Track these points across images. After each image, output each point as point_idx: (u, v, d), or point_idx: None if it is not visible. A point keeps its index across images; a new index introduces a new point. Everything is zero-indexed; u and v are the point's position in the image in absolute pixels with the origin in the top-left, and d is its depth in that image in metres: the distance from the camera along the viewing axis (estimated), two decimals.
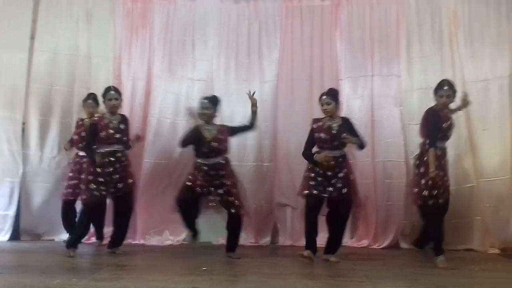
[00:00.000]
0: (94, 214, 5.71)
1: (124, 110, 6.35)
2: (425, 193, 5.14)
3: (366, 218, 6.64)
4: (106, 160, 5.52)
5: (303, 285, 4.17)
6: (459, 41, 6.62)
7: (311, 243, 5.28)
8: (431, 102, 6.34)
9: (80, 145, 6.19)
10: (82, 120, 6.28)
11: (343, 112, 6.64)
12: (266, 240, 6.80)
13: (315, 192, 5.26)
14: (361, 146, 5.41)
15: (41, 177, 6.76)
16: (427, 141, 5.27)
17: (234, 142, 6.66)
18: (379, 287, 4.06)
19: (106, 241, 6.16)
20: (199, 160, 5.48)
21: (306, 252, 5.23)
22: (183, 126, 6.65)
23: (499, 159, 6.38)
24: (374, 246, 6.55)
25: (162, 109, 6.84)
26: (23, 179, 6.69)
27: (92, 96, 6.27)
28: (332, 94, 5.46)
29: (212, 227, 6.55)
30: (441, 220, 5.40)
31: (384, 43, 6.85)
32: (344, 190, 5.26)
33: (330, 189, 5.25)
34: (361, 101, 6.79)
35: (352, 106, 6.77)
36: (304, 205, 5.41)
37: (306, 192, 5.32)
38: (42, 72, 6.85)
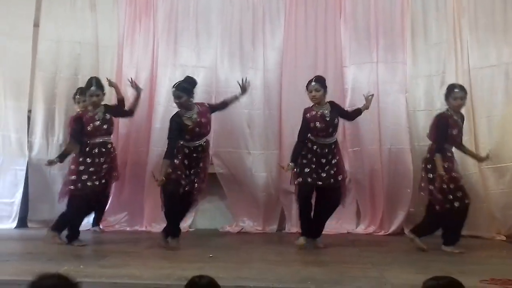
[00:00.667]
0: (89, 203, 5.56)
1: (127, 98, 6.32)
2: (450, 196, 5.11)
3: (373, 205, 6.62)
4: (97, 150, 5.45)
5: (308, 272, 4.15)
6: (464, 28, 6.56)
7: (307, 229, 5.35)
8: (436, 89, 6.38)
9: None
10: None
11: (348, 99, 6.68)
12: (272, 227, 6.78)
13: (309, 180, 5.24)
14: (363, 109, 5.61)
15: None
16: (436, 146, 5.23)
17: (240, 130, 6.68)
18: (385, 274, 4.03)
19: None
20: (182, 142, 5.31)
21: (300, 240, 5.28)
22: None
23: (504, 146, 6.32)
24: (380, 233, 6.53)
25: (169, 97, 6.78)
26: (30, 167, 6.67)
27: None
28: (320, 82, 5.43)
29: (218, 214, 6.56)
30: (464, 219, 5.32)
31: (389, 30, 6.78)
32: (340, 177, 5.32)
33: (324, 175, 5.25)
34: (367, 88, 6.66)
35: (357, 93, 6.68)
36: (296, 193, 5.39)
37: (299, 180, 5.27)
38: (46, 60, 6.82)
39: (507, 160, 6.27)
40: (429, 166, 5.24)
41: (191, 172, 5.32)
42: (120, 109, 5.74)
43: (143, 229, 6.64)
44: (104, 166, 5.47)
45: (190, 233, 6.59)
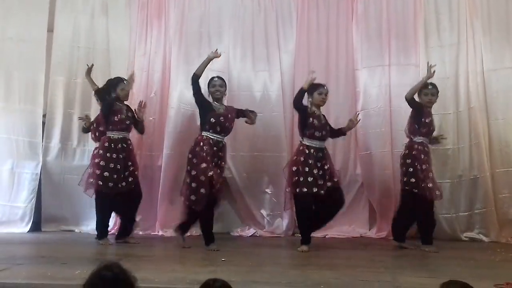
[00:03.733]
0: (113, 200, 5.71)
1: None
2: (430, 185, 5.31)
3: (385, 208, 6.56)
4: (119, 146, 5.63)
5: (321, 275, 4.13)
6: (477, 30, 6.52)
7: (309, 237, 5.42)
8: (449, 91, 6.36)
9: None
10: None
11: (361, 102, 6.67)
12: (284, 231, 6.73)
13: (304, 190, 5.24)
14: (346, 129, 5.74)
15: (61, 169, 6.80)
16: (413, 138, 5.52)
17: (253, 132, 6.67)
18: (398, 278, 4.01)
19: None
20: (205, 134, 5.40)
21: (303, 248, 5.32)
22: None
23: None
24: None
25: (181, 101, 6.81)
26: (44, 171, 6.73)
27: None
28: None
29: (230, 217, 6.55)
30: (432, 213, 5.50)
31: (401, 32, 6.77)
32: (335, 179, 5.42)
33: (320, 182, 5.28)
34: (379, 91, 6.73)
35: (369, 96, 6.73)
36: (297, 202, 5.40)
37: (296, 190, 5.29)
38: (62, 65, 6.88)
39: None
40: (408, 161, 5.44)
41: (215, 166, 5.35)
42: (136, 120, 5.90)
43: (156, 233, 6.64)
44: (129, 163, 5.69)
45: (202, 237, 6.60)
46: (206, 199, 5.22)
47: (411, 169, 5.42)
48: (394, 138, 6.53)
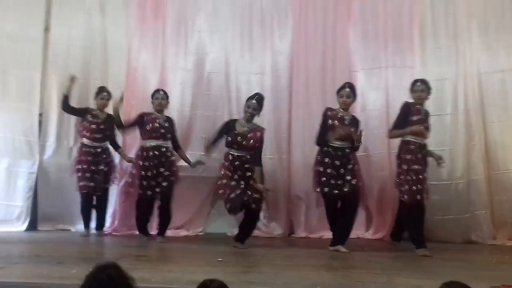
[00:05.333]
0: (145, 209, 5.95)
1: (137, 102, 6.42)
2: (414, 188, 5.19)
3: (382, 210, 6.60)
4: (151, 153, 5.79)
5: (318, 276, 4.12)
6: (473, 32, 6.54)
7: (338, 238, 5.43)
8: (445, 93, 6.35)
9: (97, 135, 6.27)
10: (96, 111, 6.37)
11: (358, 104, 6.66)
12: (281, 232, 6.75)
13: (326, 189, 5.33)
14: (357, 148, 5.52)
15: (57, 168, 6.75)
16: (392, 127, 5.51)
17: None
18: (395, 279, 4.00)
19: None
20: (228, 151, 5.60)
21: (339, 248, 5.34)
22: (201, 118, 6.74)
23: None
24: None
25: (181, 101, 6.82)
26: (40, 170, 6.69)
27: (105, 89, 6.39)
28: (353, 90, 5.57)
29: (227, 218, 6.53)
30: (423, 215, 5.38)
31: (398, 34, 6.78)
32: (354, 182, 5.32)
33: (339, 182, 5.30)
34: (376, 93, 6.75)
35: (366, 98, 6.75)
36: (317, 199, 5.51)
37: (318, 189, 5.40)
38: (57, 64, 6.84)
39: None
40: (398, 162, 5.42)
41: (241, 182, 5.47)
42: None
43: (153, 233, 6.61)
44: (161, 169, 5.82)
45: (200, 237, 6.59)
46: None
47: (398, 170, 5.42)
48: (391, 140, 6.41)
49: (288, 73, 6.89)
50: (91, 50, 6.92)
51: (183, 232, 6.66)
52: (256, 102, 5.61)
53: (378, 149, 6.61)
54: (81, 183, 6.23)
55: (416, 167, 5.24)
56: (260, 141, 5.66)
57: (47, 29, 6.88)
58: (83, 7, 6.95)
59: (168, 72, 6.90)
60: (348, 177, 5.32)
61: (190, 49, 6.93)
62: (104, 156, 6.31)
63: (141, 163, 5.83)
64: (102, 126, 6.29)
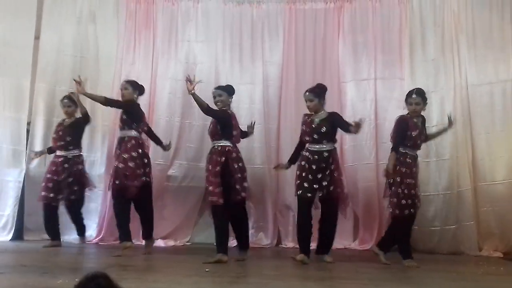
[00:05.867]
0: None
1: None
2: (403, 202, 5.14)
3: (369, 220, 6.62)
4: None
5: (304, 287, 4.11)
6: (462, 45, 6.60)
7: (304, 246, 5.27)
8: (433, 105, 6.38)
9: (59, 143, 6.23)
10: (63, 120, 6.34)
11: (347, 114, 6.69)
12: (269, 242, 6.76)
13: (303, 193, 5.23)
14: (353, 131, 5.26)
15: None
16: (392, 146, 5.35)
17: (241, 144, 6.64)
18: None
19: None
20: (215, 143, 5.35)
21: (299, 256, 5.17)
22: (191, 127, 6.73)
23: (502, 163, 6.33)
24: None
25: (170, 111, 6.84)
26: (27, 178, 6.64)
27: (67, 96, 6.30)
28: (315, 91, 5.43)
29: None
30: (411, 227, 5.40)
31: (387, 47, 6.86)
32: (331, 188, 5.23)
33: (315, 186, 5.21)
34: (365, 104, 6.78)
35: (356, 109, 6.78)
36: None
37: (298, 193, 5.29)
38: (47, 72, 6.83)
39: (503, 177, 6.29)
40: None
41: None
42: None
43: (139, 243, 6.57)
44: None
45: (187, 247, 6.56)
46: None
47: (390, 180, 5.37)
48: (379, 151, 6.58)
49: (278, 83, 6.94)
50: (81, 59, 6.92)
51: (170, 242, 6.64)
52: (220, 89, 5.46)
53: (365, 160, 6.65)
54: (42, 193, 6.17)
55: (409, 181, 5.19)
56: None
57: (37, 37, 6.85)
58: (74, 16, 6.96)
59: (158, 82, 6.91)
60: (325, 183, 5.22)
61: (180, 59, 6.96)
62: (67, 165, 6.14)
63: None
64: (61, 133, 6.22)
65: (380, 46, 6.82)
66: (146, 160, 5.72)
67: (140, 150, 5.64)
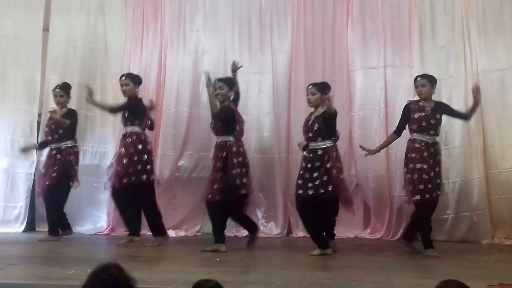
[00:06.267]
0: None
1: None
2: (420, 187, 5.08)
3: (380, 209, 6.60)
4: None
5: (314, 276, 4.12)
6: (472, 31, 6.53)
7: (318, 242, 5.16)
8: (443, 92, 6.34)
9: (50, 137, 6.06)
10: (54, 111, 6.10)
11: (356, 103, 6.66)
12: (279, 231, 6.76)
13: (300, 192, 5.12)
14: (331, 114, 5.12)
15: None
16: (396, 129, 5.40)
17: (251, 134, 6.65)
18: (393, 278, 3.99)
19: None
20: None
21: (316, 251, 5.10)
22: (200, 118, 6.69)
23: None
24: (388, 238, 6.49)
25: (178, 102, 6.82)
26: (38, 171, 6.67)
27: (59, 86, 6.20)
28: (319, 86, 5.35)
29: None
30: (429, 215, 5.31)
31: (397, 34, 6.79)
32: (329, 188, 5.01)
33: (309, 185, 5.05)
34: (374, 93, 6.74)
35: (365, 98, 6.75)
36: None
37: (297, 192, 5.19)
38: (58, 64, 6.86)
39: None
40: (405, 160, 5.31)
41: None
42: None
43: (150, 233, 6.60)
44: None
45: (198, 237, 6.58)
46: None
47: (404, 169, 5.33)
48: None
49: (288, 72, 6.90)
50: (91, 50, 6.93)
51: (181, 233, 6.67)
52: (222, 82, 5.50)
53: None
54: (38, 190, 6.14)
55: (419, 166, 5.12)
56: None
57: (46, 29, 6.88)
58: (82, 8, 6.96)
59: (167, 72, 6.89)
60: (317, 181, 5.02)
61: (189, 49, 6.94)
62: (59, 156, 5.92)
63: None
64: (53, 126, 6.01)
65: (389, 33, 6.76)
66: (146, 157, 5.56)
67: (140, 146, 5.55)
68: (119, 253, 5.16)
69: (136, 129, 5.64)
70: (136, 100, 5.73)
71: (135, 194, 5.55)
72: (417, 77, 5.44)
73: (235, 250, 5.39)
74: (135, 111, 5.67)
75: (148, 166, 5.59)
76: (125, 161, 5.49)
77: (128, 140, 5.57)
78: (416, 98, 5.41)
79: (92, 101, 5.76)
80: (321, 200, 5.08)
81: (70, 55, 6.89)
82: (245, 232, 6.61)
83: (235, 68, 5.73)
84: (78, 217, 6.66)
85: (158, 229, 5.72)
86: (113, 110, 5.81)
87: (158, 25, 6.97)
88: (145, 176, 5.55)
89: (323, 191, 5.03)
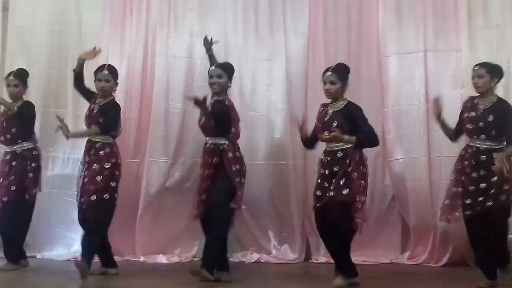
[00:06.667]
0: None
1: (119, 97, 6.15)
2: (458, 202, 5.01)
3: (421, 228, 6.50)
4: None
5: None
6: None
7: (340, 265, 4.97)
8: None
9: (2, 138, 5.80)
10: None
11: (390, 96, 6.66)
12: (296, 256, 6.67)
13: (319, 205, 4.94)
14: (359, 144, 4.91)
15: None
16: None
17: (252, 135, 6.58)
18: None
19: None
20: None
21: (336, 281, 4.86)
22: (195, 116, 6.50)
23: None
24: (431, 264, 6.40)
25: (168, 97, 6.76)
26: None
27: (14, 72, 5.93)
28: (339, 72, 5.13)
29: (229, 240, 6.37)
30: (485, 235, 4.99)
31: (440, 11, 6.75)
32: (344, 191, 4.80)
33: (320, 193, 4.92)
34: (411, 83, 6.68)
35: (400, 90, 6.71)
36: None
37: (315, 206, 5.02)
38: (17, 50, 6.79)
39: None
40: (452, 170, 5.22)
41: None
42: None
43: (137, 259, 6.55)
44: None
45: (195, 263, 6.40)
46: None
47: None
48: (432, 141, 6.46)
49: (304, 59, 6.86)
50: (60, 34, 6.89)
51: (173, 258, 6.60)
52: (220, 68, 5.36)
53: (415, 153, 6.54)
54: None
55: (463, 178, 4.99)
56: None
57: (6, 9, 6.84)
58: None
59: (155, 59, 6.85)
60: (331, 188, 4.86)
61: (181, 31, 6.88)
62: (15, 163, 5.69)
63: None
64: (5, 124, 5.73)
65: (430, 10, 6.70)
66: (117, 173, 5.38)
67: (113, 160, 5.35)
68: (99, 285, 5.10)
69: (110, 139, 5.39)
70: (118, 106, 5.54)
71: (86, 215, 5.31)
72: (475, 65, 5.22)
73: (242, 279, 5.33)
74: (114, 119, 5.44)
75: (114, 184, 5.34)
76: (99, 178, 5.23)
77: (101, 152, 5.33)
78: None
79: (70, 134, 5.30)
80: (326, 209, 4.89)
81: (34, 40, 6.82)
82: (253, 258, 6.49)
83: (209, 46, 5.69)
84: (47, 239, 6.61)
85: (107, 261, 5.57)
86: (104, 129, 5.34)
87: (144, 3, 6.92)
88: (108, 195, 5.28)
89: (334, 194, 4.83)
